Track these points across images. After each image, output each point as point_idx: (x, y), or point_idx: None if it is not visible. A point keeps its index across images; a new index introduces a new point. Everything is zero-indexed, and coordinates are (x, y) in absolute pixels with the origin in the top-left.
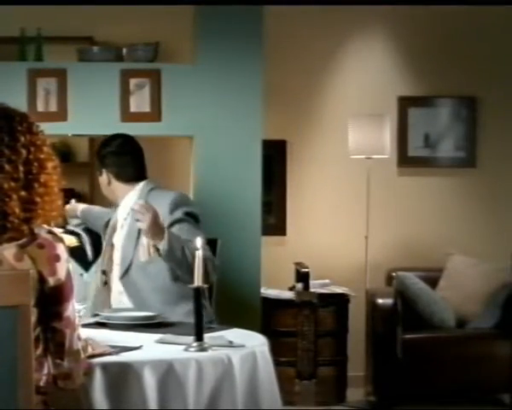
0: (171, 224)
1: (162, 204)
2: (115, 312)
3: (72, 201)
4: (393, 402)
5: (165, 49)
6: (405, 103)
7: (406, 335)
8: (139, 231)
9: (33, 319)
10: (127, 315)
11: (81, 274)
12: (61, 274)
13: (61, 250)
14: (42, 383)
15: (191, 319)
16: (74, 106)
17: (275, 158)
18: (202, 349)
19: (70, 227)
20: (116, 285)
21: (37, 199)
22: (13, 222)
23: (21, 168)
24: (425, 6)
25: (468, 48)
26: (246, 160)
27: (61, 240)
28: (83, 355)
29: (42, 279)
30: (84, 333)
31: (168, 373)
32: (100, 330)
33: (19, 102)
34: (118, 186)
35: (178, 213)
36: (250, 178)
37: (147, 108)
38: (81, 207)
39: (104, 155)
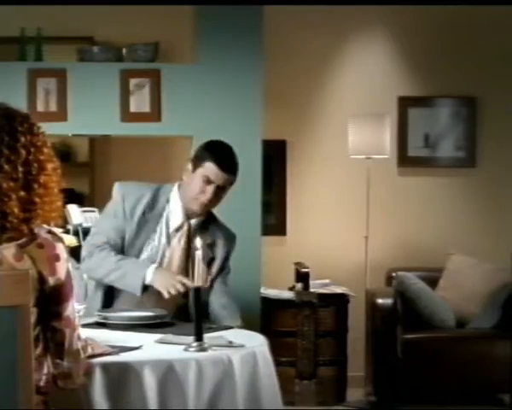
0: (226, 258)
1: (220, 235)
2: (115, 312)
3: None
4: (393, 402)
5: (165, 49)
6: (405, 103)
7: (406, 335)
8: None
9: (33, 318)
10: (127, 315)
11: (81, 274)
12: (61, 274)
13: (61, 250)
14: (42, 383)
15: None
16: (74, 106)
17: (275, 158)
18: (202, 349)
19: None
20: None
21: (37, 200)
22: (12, 222)
23: (21, 169)
24: (425, 6)
25: (468, 48)
26: (246, 160)
27: (60, 240)
28: (83, 355)
29: (42, 279)
30: (84, 333)
31: (168, 373)
32: (100, 330)
33: (19, 102)
34: None
35: (231, 249)
36: (250, 178)
37: (147, 108)
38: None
39: None
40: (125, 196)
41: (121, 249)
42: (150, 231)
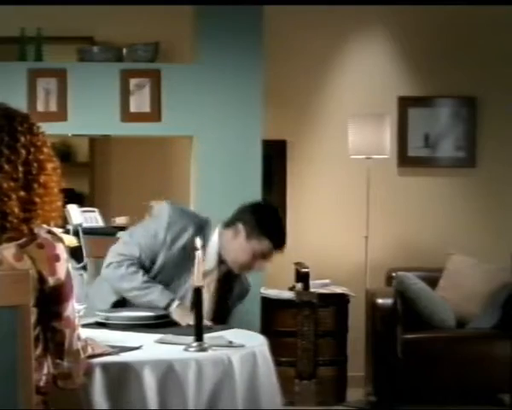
0: (235, 305)
1: (238, 285)
2: (115, 312)
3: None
4: (393, 402)
5: (165, 49)
6: (405, 103)
7: (406, 335)
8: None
9: (33, 318)
10: (127, 315)
11: (81, 274)
12: (61, 274)
13: (61, 250)
14: (42, 383)
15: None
16: (74, 106)
17: (275, 158)
18: (202, 349)
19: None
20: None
21: (37, 200)
22: (12, 222)
23: (21, 168)
24: (425, 6)
25: (468, 48)
26: (246, 160)
27: (60, 240)
28: (82, 355)
29: (41, 279)
30: (84, 333)
31: (168, 373)
32: (100, 330)
33: (19, 102)
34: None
35: (242, 299)
36: (250, 178)
37: (147, 108)
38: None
39: None
40: (171, 223)
41: (147, 271)
42: (183, 267)
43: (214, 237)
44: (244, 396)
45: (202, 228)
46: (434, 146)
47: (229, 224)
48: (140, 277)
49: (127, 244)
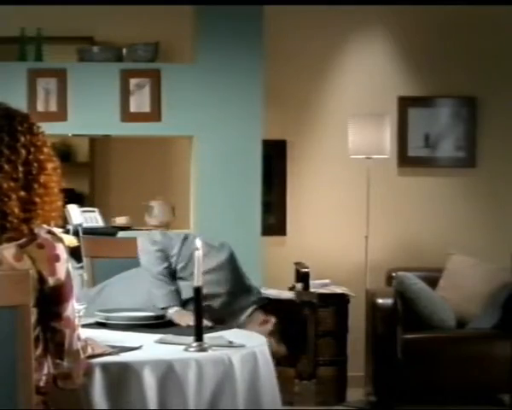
0: None
1: None
2: (115, 312)
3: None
4: (393, 402)
5: (165, 49)
6: (405, 103)
7: (406, 335)
8: None
9: (33, 319)
10: (127, 315)
11: (81, 274)
12: (61, 274)
13: (61, 250)
14: (42, 383)
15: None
16: (74, 106)
17: (275, 158)
18: (202, 349)
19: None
20: None
21: (37, 200)
22: (12, 222)
23: (21, 168)
24: (425, 6)
25: (469, 48)
26: (246, 160)
27: (60, 240)
28: (82, 355)
29: (41, 279)
30: (84, 333)
31: (168, 373)
32: (100, 330)
33: (19, 102)
34: None
35: None
36: (250, 178)
37: (147, 108)
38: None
39: None
40: (216, 269)
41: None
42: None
43: (248, 311)
44: (245, 397)
45: (242, 297)
46: (434, 146)
47: (265, 308)
48: (161, 267)
49: (176, 240)
